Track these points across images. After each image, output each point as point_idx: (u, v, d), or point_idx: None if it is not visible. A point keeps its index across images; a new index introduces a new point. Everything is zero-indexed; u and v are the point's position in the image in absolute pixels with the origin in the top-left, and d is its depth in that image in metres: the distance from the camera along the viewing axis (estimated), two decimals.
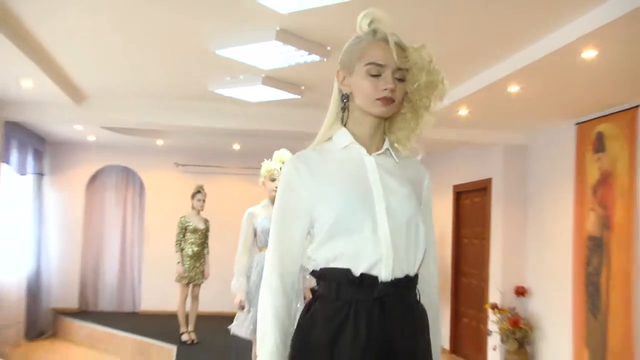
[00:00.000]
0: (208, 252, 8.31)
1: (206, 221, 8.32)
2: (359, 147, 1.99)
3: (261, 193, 5.53)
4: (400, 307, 1.87)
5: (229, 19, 4.42)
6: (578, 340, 6.45)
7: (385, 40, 1.95)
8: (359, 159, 1.98)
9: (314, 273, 1.96)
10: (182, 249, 8.11)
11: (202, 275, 8.18)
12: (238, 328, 4.90)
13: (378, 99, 1.92)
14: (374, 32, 2.00)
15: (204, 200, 8.27)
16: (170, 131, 8.90)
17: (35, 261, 9.13)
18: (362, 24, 2.04)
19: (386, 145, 2.03)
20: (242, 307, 4.79)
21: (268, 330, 1.91)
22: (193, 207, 8.26)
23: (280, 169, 4.78)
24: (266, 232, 4.75)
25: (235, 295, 4.84)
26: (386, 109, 1.94)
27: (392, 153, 2.04)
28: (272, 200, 4.88)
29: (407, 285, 1.89)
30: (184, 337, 8.04)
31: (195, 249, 8.09)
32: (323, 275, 1.92)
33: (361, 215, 1.86)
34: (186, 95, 6.88)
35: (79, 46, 5.25)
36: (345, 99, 2.04)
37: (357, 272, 1.84)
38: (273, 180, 4.91)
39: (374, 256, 1.83)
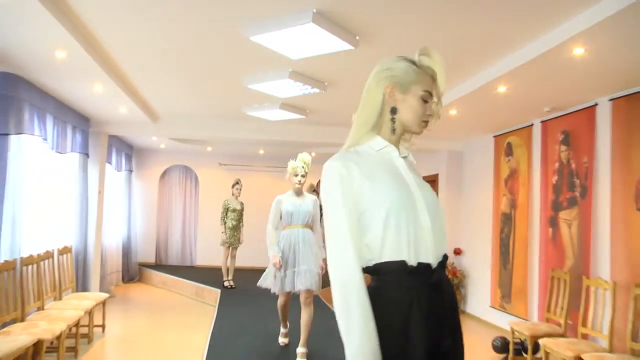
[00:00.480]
0: (243, 225, 8.19)
1: (242, 203, 8.17)
2: (393, 149, 1.66)
3: (280, 184, 5.49)
4: (447, 285, 1.59)
5: (256, 63, 4.41)
6: (494, 283, 6.54)
7: (434, 76, 1.69)
8: (390, 160, 1.64)
9: (368, 269, 1.53)
10: (224, 223, 8.03)
11: (239, 241, 8.11)
12: (263, 281, 4.64)
13: (423, 121, 1.68)
14: (426, 65, 1.70)
15: (240, 189, 8.16)
16: (216, 141, 8.83)
17: (127, 230, 9.17)
18: (420, 53, 1.74)
19: (405, 152, 1.72)
20: (280, 266, 4.46)
21: (362, 325, 1.44)
22: (232, 194, 8.13)
23: (302, 167, 4.56)
24: (288, 215, 4.57)
25: (274, 259, 4.47)
26: (423, 130, 1.70)
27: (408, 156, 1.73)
28: (296, 191, 4.63)
29: (444, 265, 1.59)
30: (225, 284, 7.96)
31: (234, 223, 8.01)
32: (378, 270, 1.51)
33: (409, 209, 1.52)
34: (227, 116, 6.85)
35: (156, 83, 5.30)
36: (394, 112, 1.68)
37: (413, 262, 1.48)
38: (296, 175, 4.57)
39: (425, 245, 1.51)
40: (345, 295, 1.47)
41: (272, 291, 4.61)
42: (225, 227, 8.06)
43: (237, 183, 8.18)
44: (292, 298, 4.76)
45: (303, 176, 4.60)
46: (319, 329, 4.96)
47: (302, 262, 4.47)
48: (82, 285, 6.40)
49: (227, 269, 8.11)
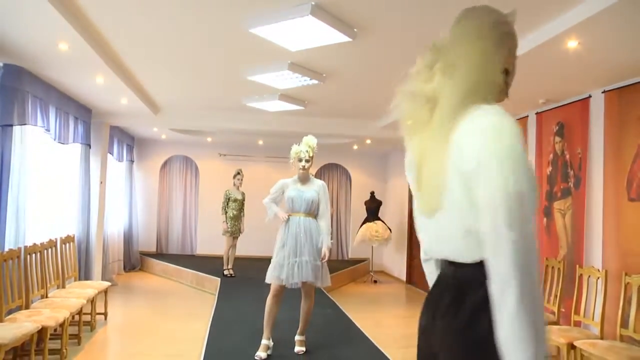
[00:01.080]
0: (244, 215, 8.23)
1: (243, 194, 8.23)
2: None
3: (279, 174, 5.26)
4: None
5: (256, 55, 4.41)
6: None
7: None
8: None
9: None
10: (226, 213, 8.06)
11: (239, 230, 8.15)
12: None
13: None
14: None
15: (241, 179, 8.19)
16: (216, 131, 8.83)
17: (128, 219, 9.18)
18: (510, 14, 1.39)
19: None
20: (288, 216, 4.30)
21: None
22: (234, 184, 8.17)
23: (307, 151, 4.29)
24: (289, 201, 4.32)
25: (280, 213, 4.34)
26: None
27: None
28: (300, 177, 4.36)
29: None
30: (225, 272, 8.00)
31: (235, 212, 8.06)
32: None
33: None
34: (227, 107, 6.86)
35: (157, 75, 5.30)
36: (506, 74, 1.33)
37: None
38: (300, 160, 4.30)
39: None
40: (534, 290, 1.08)
41: (266, 280, 4.25)
42: (226, 216, 8.07)
43: (238, 173, 8.16)
44: (292, 292, 4.46)
45: (308, 161, 4.33)
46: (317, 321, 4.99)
47: (303, 253, 4.18)
48: (84, 273, 6.43)
49: (228, 258, 8.14)
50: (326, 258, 4.27)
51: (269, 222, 4.58)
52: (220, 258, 8.64)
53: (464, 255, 1.24)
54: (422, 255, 1.55)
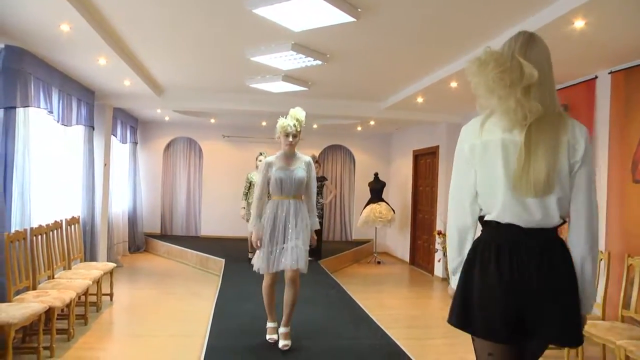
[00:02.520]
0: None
1: None
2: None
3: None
4: None
5: (259, 36, 4.40)
6: None
7: None
8: None
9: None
10: (247, 198, 7.51)
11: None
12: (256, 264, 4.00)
13: None
14: None
15: None
16: (220, 113, 8.81)
17: (132, 201, 9.22)
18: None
19: None
20: (258, 247, 3.92)
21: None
22: (257, 167, 7.50)
23: (294, 125, 3.93)
24: (277, 183, 3.91)
25: (254, 236, 3.95)
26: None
27: None
28: (286, 154, 3.99)
29: None
30: (250, 256, 7.32)
31: None
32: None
33: None
34: (230, 88, 6.83)
35: (160, 56, 5.29)
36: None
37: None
38: (287, 135, 3.93)
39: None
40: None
41: (254, 269, 3.99)
42: (247, 202, 7.50)
43: (261, 154, 7.43)
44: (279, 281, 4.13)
45: (295, 136, 3.95)
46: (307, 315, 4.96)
47: (292, 238, 3.87)
48: (90, 255, 6.48)
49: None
50: (314, 241, 4.08)
51: (250, 230, 4.21)
52: (225, 239, 8.63)
53: (554, 222, 1.75)
54: (465, 223, 1.87)
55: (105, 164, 7.17)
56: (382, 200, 9.36)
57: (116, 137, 8.02)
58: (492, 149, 1.76)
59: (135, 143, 9.45)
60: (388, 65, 5.41)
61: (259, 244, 3.92)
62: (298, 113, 4.00)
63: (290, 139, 3.96)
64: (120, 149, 8.59)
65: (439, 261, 7.81)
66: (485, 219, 1.80)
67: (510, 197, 1.72)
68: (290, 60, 4.90)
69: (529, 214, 1.72)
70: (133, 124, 9.27)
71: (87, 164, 6.44)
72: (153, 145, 10.62)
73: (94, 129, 6.64)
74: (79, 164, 6.35)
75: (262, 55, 4.78)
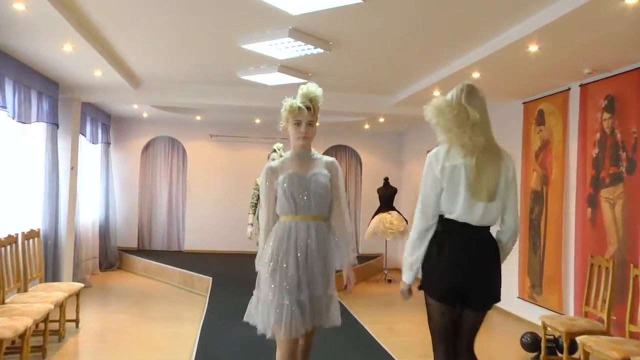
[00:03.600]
0: None
1: None
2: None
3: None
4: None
5: (252, 20, 4.38)
6: (522, 271, 6.54)
7: None
8: None
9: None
10: (254, 212, 6.40)
11: None
12: (251, 315, 3.04)
13: None
14: None
15: None
16: (206, 109, 8.82)
17: (104, 210, 9.16)
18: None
19: None
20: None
21: None
22: None
23: (307, 107, 2.98)
24: (287, 197, 2.95)
25: (264, 283, 2.99)
26: None
27: None
28: (298, 153, 3.06)
29: None
30: None
31: None
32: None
33: None
34: (219, 80, 6.83)
35: (137, 42, 5.26)
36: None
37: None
38: (298, 123, 3.00)
39: None
40: None
41: (259, 331, 2.99)
42: (255, 217, 6.37)
43: (274, 150, 5.78)
44: None
45: (310, 124, 3.02)
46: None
47: (314, 283, 2.97)
48: (52, 274, 6.39)
49: None
50: (351, 285, 3.18)
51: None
52: (212, 255, 8.55)
53: (492, 222, 2.79)
54: (428, 225, 2.77)
55: (72, 168, 7.13)
56: (393, 208, 9.30)
57: (85, 136, 7.98)
58: (457, 170, 2.71)
59: (108, 143, 9.42)
60: (399, 54, 5.38)
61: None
62: (311, 89, 3.05)
63: (303, 128, 3.00)
64: (90, 150, 8.56)
65: None
66: (446, 217, 2.76)
67: (467, 203, 2.71)
68: (287, 48, 4.89)
69: (478, 215, 2.73)
70: (105, 122, 9.24)
71: (50, 168, 6.37)
72: (129, 146, 10.57)
73: (58, 126, 6.58)
74: (40, 168, 6.28)
75: (255, 43, 4.78)
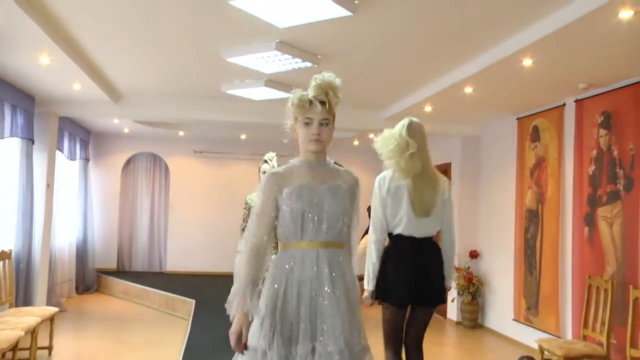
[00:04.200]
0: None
1: None
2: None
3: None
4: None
5: (237, 32, 4.38)
6: (518, 292, 6.52)
7: None
8: None
9: None
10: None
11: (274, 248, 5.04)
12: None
13: None
14: None
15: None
16: (190, 124, 8.79)
17: (82, 230, 9.06)
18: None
19: None
20: (241, 350, 2.31)
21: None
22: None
23: (322, 102, 2.41)
24: (297, 216, 2.38)
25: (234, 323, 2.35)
26: None
27: None
28: (309, 159, 2.49)
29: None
30: None
31: None
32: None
33: None
34: (203, 95, 6.81)
35: (118, 55, 5.23)
36: None
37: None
38: (308, 122, 2.44)
39: None
40: None
41: None
42: None
43: (265, 162, 4.64)
44: None
45: (326, 122, 2.47)
46: None
47: (326, 331, 2.29)
48: (23, 298, 6.26)
49: None
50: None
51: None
52: (196, 275, 8.50)
53: (434, 233, 3.49)
54: (381, 240, 3.47)
55: (48, 185, 7.02)
56: None
57: (62, 152, 7.92)
58: (400, 190, 3.38)
59: (87, 160, 9.36)
60: (390, 68, 5.40)
61: (242, 345, 2.30)
62: (328, 79, 2.46)
63: (315, 128, 2.44)
64: (68, 167, 8.49)
65: (452, 301, 7.65)
66: (395, 233, 3.43)
67: (411, 219, 3.38)
68: (274, 61, 4.90)
69: (421, 228, 3.41)
70: (84, 137, 9.19)
71: (25, 186, 6.27)
72: (109, 163, 10.51)
73: (33, 142, 6.49)
74: (14, 185, 6.18)
75: (241, 56, 4.79)
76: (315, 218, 2.39)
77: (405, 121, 3.50)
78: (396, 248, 3.42)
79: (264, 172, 4.34)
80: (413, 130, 3.43)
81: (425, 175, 3.41)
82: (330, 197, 2.42)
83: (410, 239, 3.38)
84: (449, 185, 3.56)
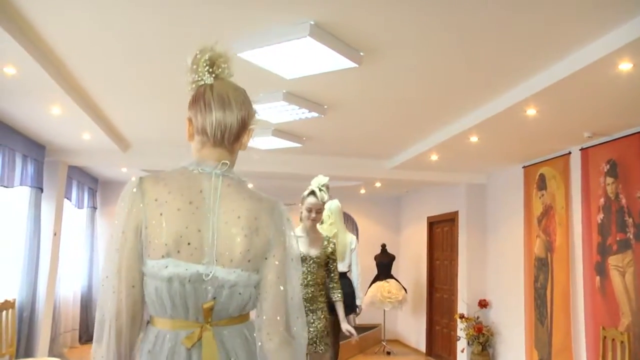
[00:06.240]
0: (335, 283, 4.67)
1: (330, 241, 4.23)
2: None
3: None
4: None
5: (245, 84, 4.36)
6: (529, 343, 6.38)
7: None
8: None
9: None
10: None
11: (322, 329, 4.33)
12: None
13: None
14: None
15: (321, 210, 4.46)
16: None
17: (88, 278, 9.00)
18: None
19: None
20: None
21: None
22: (301, 219, 4.49)
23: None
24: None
25: None
26: None
27: None
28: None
29: None
30: None
31: (309, 279, 3.94)
32: None
33: None
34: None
35: (128, 105, 5.26)
36: None
37: None
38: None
39: None
40: None
41: None
42: None
43: (311, 194, 4.03)
44: None
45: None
46: None
47: None
48: (25, 348, 6.14)
49: None
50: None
51: None
52: None
53: None
54: None
55: (55, 234, 6.97)
56: (391, 276, 9.19)
57: (70, 200, 7.92)
58: None
59: (94, 208, 9.34)
60: (395, 118, 5.42)
61: None
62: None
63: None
64: (76, 215, 8.48)
65: (462, 351, 7.53)
66: None
67: None
68: (281, 112, 4.90)
69: None
70: (92, 185, 9.20)
71: (32, 234, 6.26)
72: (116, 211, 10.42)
73: (42, 191, 6.51)
74: (20, 234, 6.17)
75: None
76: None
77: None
78: None
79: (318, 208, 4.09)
80: None
81: None
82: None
83: None
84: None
